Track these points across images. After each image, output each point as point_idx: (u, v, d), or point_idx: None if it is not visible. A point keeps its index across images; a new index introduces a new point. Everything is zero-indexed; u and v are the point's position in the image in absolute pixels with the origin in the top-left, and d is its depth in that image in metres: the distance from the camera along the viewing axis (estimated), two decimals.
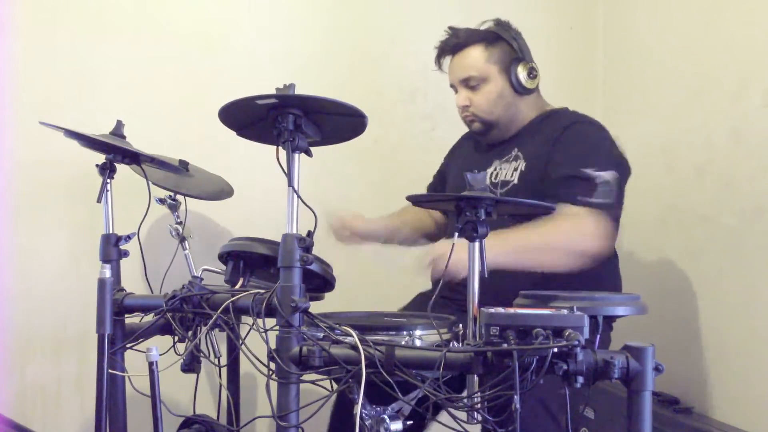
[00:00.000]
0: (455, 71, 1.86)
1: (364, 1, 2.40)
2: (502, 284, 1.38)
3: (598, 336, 1.28)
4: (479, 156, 1.92)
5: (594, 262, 1.63)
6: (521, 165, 1.77)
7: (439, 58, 1.89)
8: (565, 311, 1.13)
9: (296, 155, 1.27)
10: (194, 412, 1.73)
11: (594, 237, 1.63)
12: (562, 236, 1.60)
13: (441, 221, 2.04)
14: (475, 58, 1.82)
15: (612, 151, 1.74)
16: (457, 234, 1.26)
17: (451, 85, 1.89)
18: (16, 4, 2.10)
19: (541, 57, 1.87)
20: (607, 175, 1.66)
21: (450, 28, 1.88)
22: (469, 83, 1.82)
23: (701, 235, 1.95)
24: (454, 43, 1.85)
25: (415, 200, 1.53)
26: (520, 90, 1.82)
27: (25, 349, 2.09)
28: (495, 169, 1.83)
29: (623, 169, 1.73)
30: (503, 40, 1.83)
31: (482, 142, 1.93)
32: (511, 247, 1.55)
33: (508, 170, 1.79)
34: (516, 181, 1.76)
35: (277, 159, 1.29)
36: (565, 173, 1.67)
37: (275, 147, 1.29)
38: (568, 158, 1.70)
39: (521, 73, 1.81)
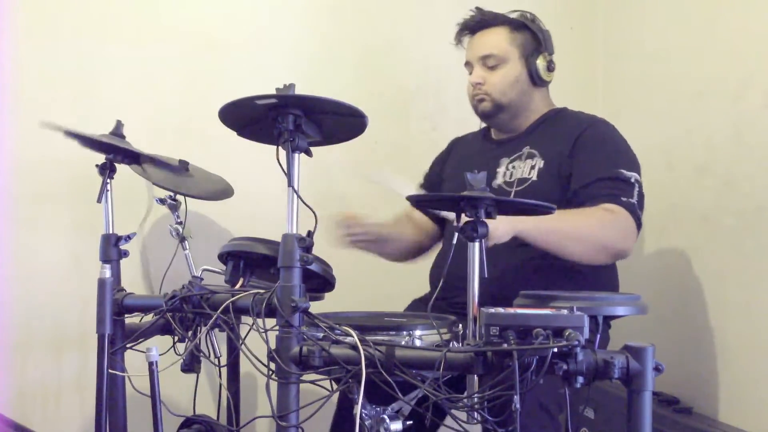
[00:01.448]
0: (476, 48, 1.84)
1: (365, 2, 2.40)
2: (502, 284, 1.38)
3: (598, 336, 1.28)
4: (486, 154, 1.89)
5: (615, 259, 1.62)
6: (539, 163, 1.75)
7: (460, 34, 1.88)
8: (565, 311, 1.12)
9: (296, 155, 1.27)
10: (194, 412, 1.74)
11: (626, 236, 1.62)
12: (597, 229, 1.57)
13: (431, 233, 2.01)
14: (499, 38, 1.81)
15: (631, 152, 1.74)
16: (457, 234, 1.26)
17: (467, 63, 1.87)
18: (16, 4, 2.09)
19: None
20: (637, 176, 1.66)
21: (476, 7, 1.86)
22: (488, 62, 1.81)
23: (701, 234, 1.95)
24: (479, 20, 1.84)
25: (416, 200, 1.53)
26: (536, 80, 1.81)
27: (25, 348, 2.09)
28: (507, 168, 1.81)
29: (640, 172, 1.73)
30: (529, 29, 1.82)
31: (487, 124, 1.92)
32: (543, 226, 1.50)
33: (524, 168, 1.77)
34: (535, 178, 1.74)
35: (277, 159, 1.29)
36: (602, 175, 1.65)
37: (275, 147, 1.30)
38: (600, 159, 1.69)
39: (541, 63, 1.81)
